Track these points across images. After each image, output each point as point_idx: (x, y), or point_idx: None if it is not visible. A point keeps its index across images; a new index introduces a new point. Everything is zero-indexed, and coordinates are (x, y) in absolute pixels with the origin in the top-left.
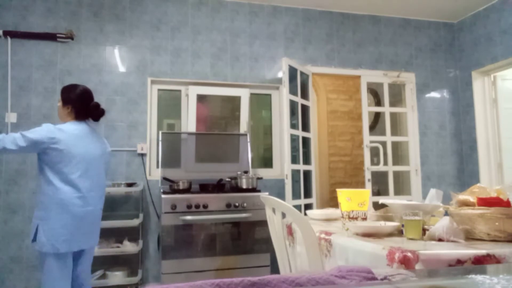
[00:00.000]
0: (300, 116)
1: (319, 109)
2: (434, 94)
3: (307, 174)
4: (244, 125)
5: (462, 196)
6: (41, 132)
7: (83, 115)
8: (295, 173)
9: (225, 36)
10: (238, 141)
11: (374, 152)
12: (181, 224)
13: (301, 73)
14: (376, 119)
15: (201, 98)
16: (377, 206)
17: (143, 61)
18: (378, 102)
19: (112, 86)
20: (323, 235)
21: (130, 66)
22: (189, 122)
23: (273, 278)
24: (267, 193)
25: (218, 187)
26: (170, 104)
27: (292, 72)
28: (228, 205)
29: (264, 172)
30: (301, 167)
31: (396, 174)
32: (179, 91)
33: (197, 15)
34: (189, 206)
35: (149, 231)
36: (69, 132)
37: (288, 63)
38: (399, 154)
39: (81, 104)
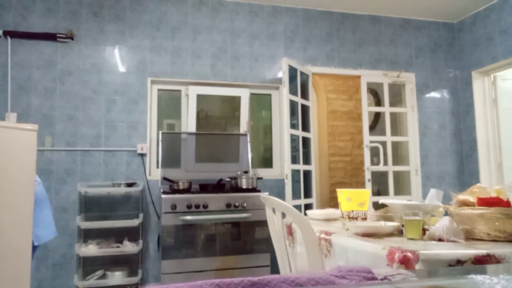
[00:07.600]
0: (300, 116)
1: (319, 109)
2: (434, 94)
3: (307, 174)
4: (244, 125)
5: (462, 196)
6: None
7: None
8: (295, 173)
9: (225, 36)
10: (238, 141)
11: (374, 152)
12: (181, 224)
13: (301, 73)
14: (376, 119)
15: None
16: (377, 206)
17: (143, 61)
18: (378, 102)
19: (112, 86)
20: (323, 235)
21: (130, 66)
22: (189, 122)
23: (273, 278)
24: (267, 193)
25: (218, 187)
26: (170, 104)
27: (292, 72)
28: (228, 205)
29: (264, 172)
30: (301, 167)
31: (396, 174)
32: (179, 91)
33: (197, 15)
34: (189, 206)
35: (149, 231)
36: None
37: (288, 63)
38: (399, 154)
39: None
